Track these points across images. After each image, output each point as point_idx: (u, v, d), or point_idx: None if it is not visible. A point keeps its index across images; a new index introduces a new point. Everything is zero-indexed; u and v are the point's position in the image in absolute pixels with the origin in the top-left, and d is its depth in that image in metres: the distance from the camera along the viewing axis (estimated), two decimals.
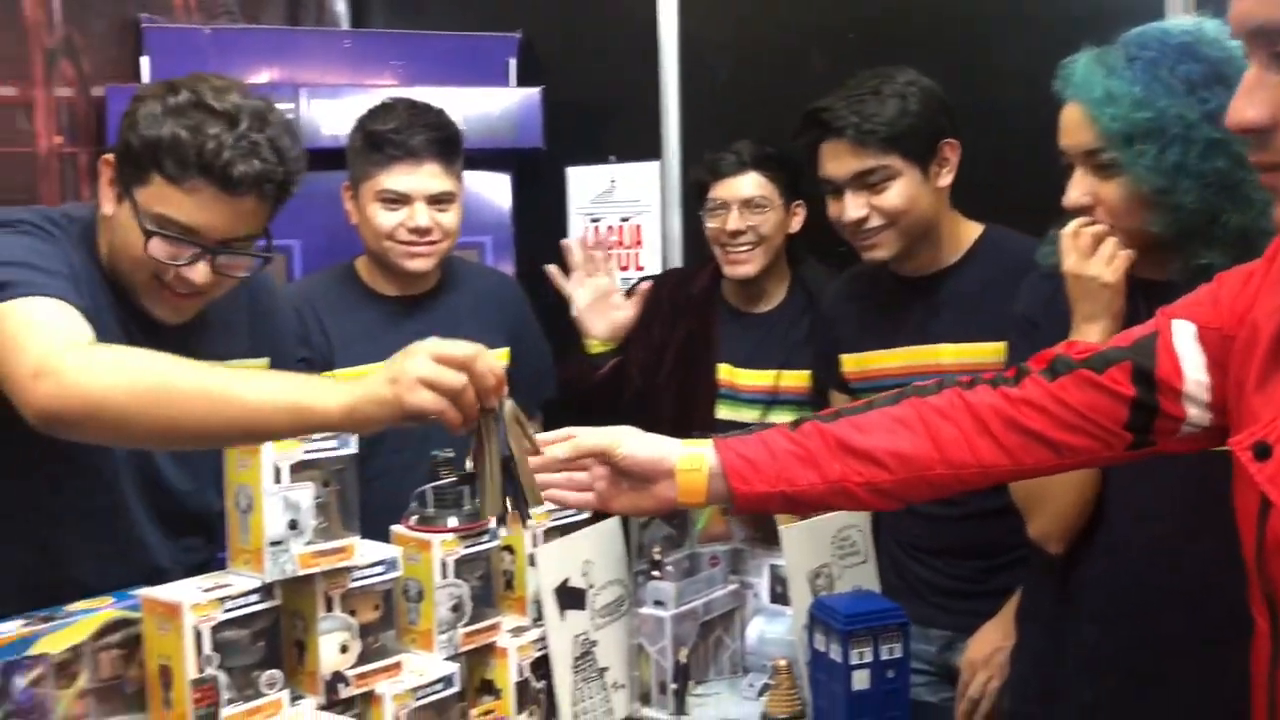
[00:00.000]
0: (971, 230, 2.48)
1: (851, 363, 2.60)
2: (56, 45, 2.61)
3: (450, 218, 2.54)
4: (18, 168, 2.57)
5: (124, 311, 1.78)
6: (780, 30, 3.04)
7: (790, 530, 3.16)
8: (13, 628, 2.57)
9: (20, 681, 2.50)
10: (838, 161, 2.34)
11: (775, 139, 2.74)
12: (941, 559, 2.59)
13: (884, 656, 2.40)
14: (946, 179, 2.38)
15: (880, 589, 2.97)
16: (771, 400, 2.93)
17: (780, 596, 3.77)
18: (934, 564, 2.61)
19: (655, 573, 3.81)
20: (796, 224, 2.85)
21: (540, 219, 3.21)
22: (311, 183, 1.89)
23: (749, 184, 2.73)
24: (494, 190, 3.10)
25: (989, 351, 2.27)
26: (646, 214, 3.14)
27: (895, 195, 2.32)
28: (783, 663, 3.57)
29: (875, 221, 2.33)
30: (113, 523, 1.95)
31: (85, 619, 2.63)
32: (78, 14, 2.63)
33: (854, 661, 2.47)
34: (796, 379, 2.90)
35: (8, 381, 1.46)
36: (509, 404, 1.47)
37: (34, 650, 2.56)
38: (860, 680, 2.44)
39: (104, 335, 1.56)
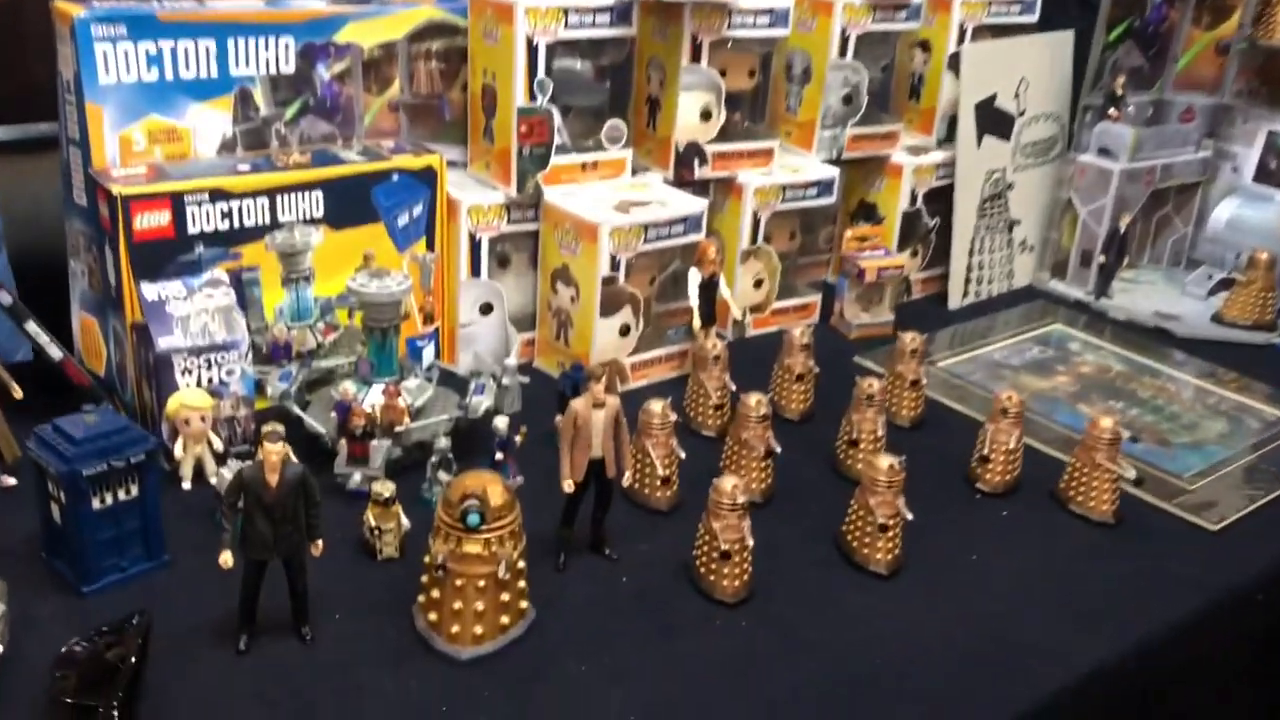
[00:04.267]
0: None
1: None
2: None
3: None
4: None
5: None
6: None
7: None
8: (321, 1, 2.17)
9: (324, 72, 2.08)
10: None
11: None
12: None
13: None
14: None
15: None
16: None
17: (1272, 175, 2.77)
18: None
19: (1112, 111, 2.91)
20: None
21: None
22: None
23: None
24: None
25: None
26: None
27: None
28: (1263, 256, 2.66)
29: None
30: None
31: (402, 12, 2.14)
32: None
33: None
34: None
35: None
36: None
37: (341, 37, 2.12)
38: None
39: None
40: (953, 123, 2.68)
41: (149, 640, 1.37)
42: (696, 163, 2.30)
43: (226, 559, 1.39)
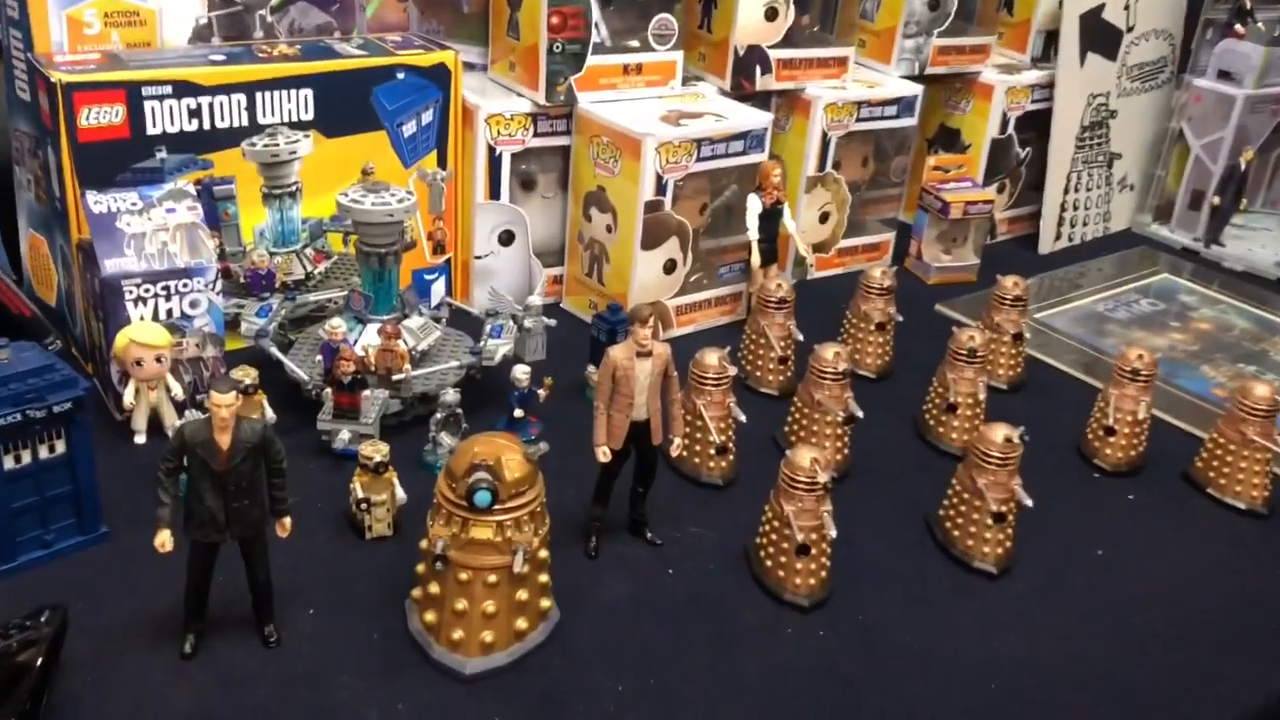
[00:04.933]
0: None
1: None
2: None
3: None
4: None
5: None
6: None
7: None
8: None
9: None
10: None
11: None
12: None
13: None
14: None
15: None
16: None
17: None
18: None
19: (1237, 27, 2.52)
20: None
21: None
22: None
23: None
24: None
25: None
26: None
27: None
28: None
29: None
30: None
31: None
32: None
33: None
34: None
35: None
36: None
37: None
38: None
39: None
40: (1049, 38, 2.31)
41: (62, 641, 1.06)
42: (758, 71, 1.95)
43: (164, 540, 1.08)
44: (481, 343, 1.56)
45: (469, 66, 1.88)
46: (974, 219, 2.14)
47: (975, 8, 2.36)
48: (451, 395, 1.44)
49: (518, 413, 1.48)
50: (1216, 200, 2.39)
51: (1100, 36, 2.30)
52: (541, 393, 1.49)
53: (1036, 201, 2.38)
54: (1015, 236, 2.43)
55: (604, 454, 1.27)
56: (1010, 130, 2.29)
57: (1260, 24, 2.41)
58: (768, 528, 1.29)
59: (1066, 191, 2.37)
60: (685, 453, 1.46)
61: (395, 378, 1.47)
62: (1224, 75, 2.36)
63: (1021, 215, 2.43)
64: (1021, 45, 2.34)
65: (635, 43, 1.85)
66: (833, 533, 1.24)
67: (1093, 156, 2.40)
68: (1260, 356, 1.97)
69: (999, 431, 1.34)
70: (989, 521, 1.34)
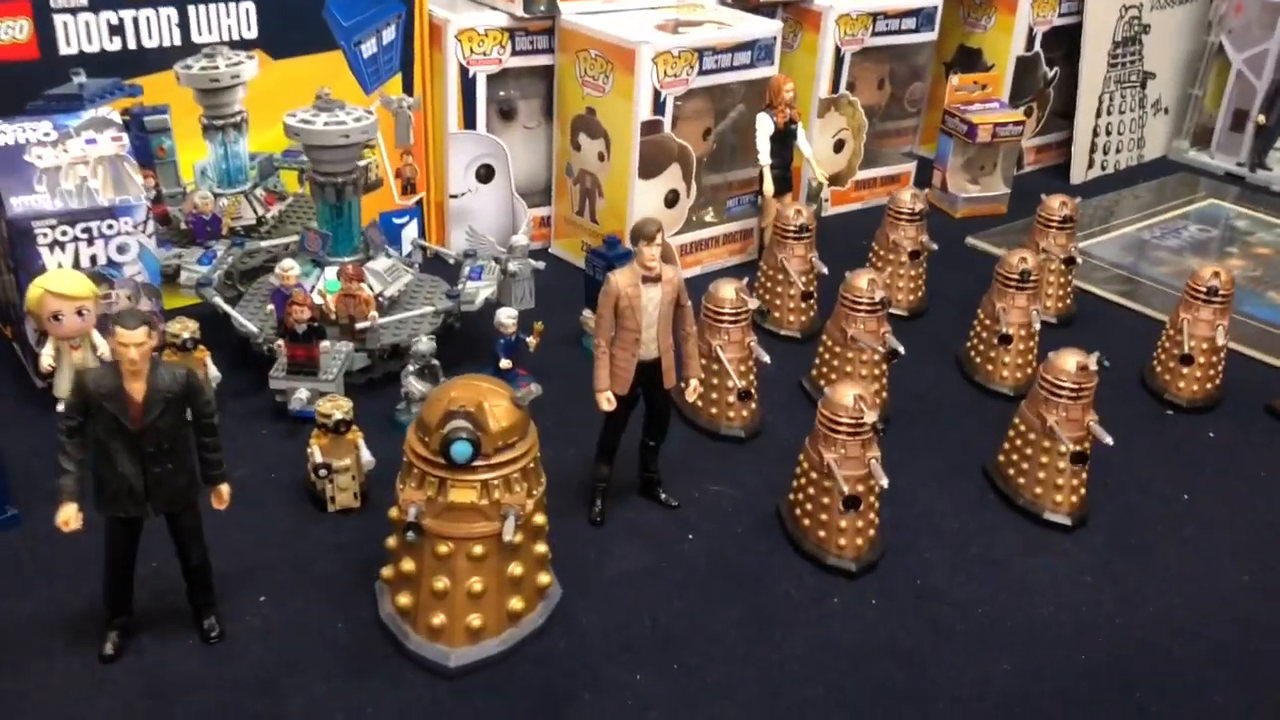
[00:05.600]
0: None
1: None
2: None
3: None
4: None
5: None
6: None
7: None
8: None
9: None
10: None
11: None
12: None
13: None
14: None
15: None
16: None
17: None
18: None
19: None
20: None
21: None
22: None
23: None
24: None
25: None
26: None
27: None
28: None
29: None
30: None
31: None
32: None
33: None
34: None
35: None
36: None
37: None
38: None
39: None
40: None
41: None
42: None
43: (67, 517, 0.87)
44: (459, 285, 1.35)
45: None
46: (1004, 142, 1.93)
47: None
48: (425, 344, 1.23)
49: (504, 363, 1.28)
50: (1262, 119, 2.18)
51: None
52: (531, 341, 1.29)
53: (1065, 128, 2.18)
54: (1043, 166, 2.23)
55: (607, 400, 1.07)
56: (1037, 47, 2.09)
57: None
58: (804, 480, 1.09)
59: (1099, 115, 2.16)
60: (702, 400, 1.26)
61: (359, 326, 1.26)
62: None
63: (1049, 143, 2.22)
64: None
65: None
66: (884, 482, 1.04)
67: (1125, 76, 2.19)
68: None
69: (1070, 359, 1.14)
70: (1062, 465, 1.14)
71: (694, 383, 1.11)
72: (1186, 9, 2.25)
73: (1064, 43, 2.12)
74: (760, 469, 1.21)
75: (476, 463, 0.89)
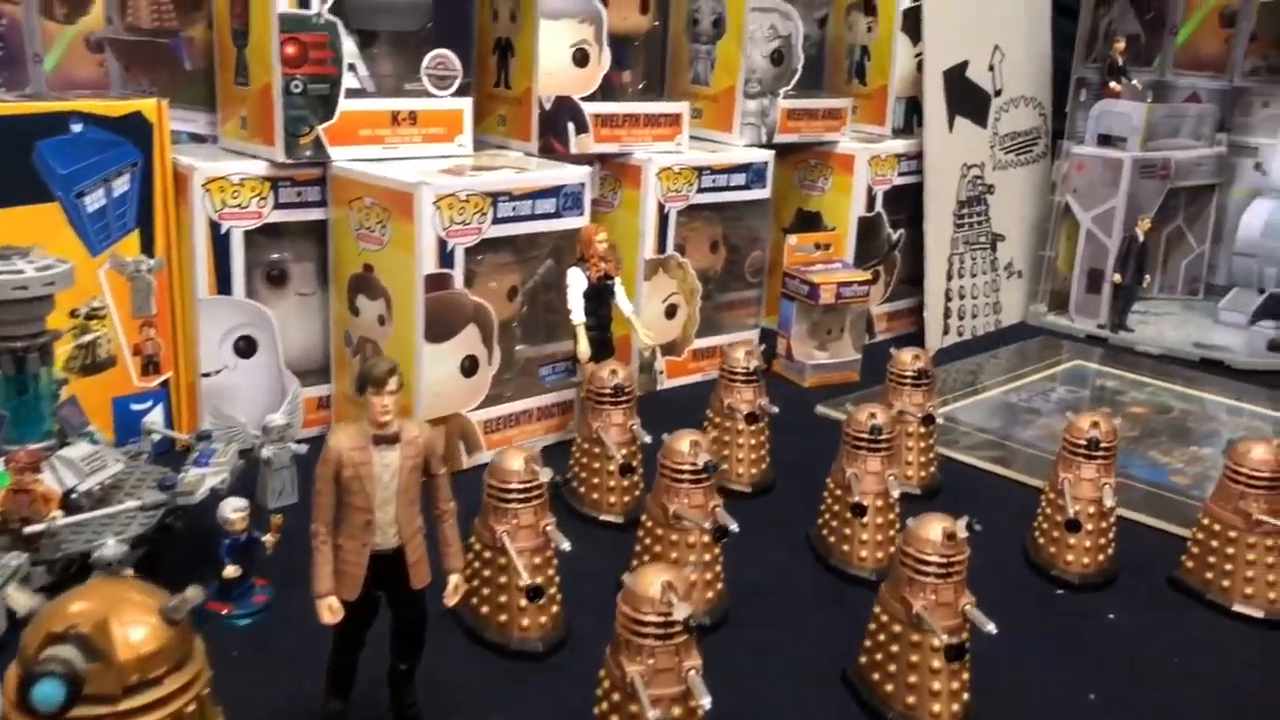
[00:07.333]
0: None
1: None
2: None
3: None
4: None
5: None
6: None
7: None
8: None
9: None
10: None
11: None
12: None
13: None
14: None
15: None
16: None
17: None
18: None
19: (1112, 84, 2.25)
20: None
21: None
22: None
23: None
24: None
25: None
26: None
27: None
28: None
29: None
30: None
31: None
32: None
33: None
34: None
35: None
36: None
37: None
38: None
39: None
40: (911, 106, 2.02)
41: None
42: (571, 129, 1.57)
43: None
44: (182, 474, 1.07)
45: (199, 139, 1.46)
46: (850, 303, 1.77)
47: (824, 80, 2.07)
48: (111, 548, 0.94)
49: (230, 570, 0.99)
50: (1118, 277, 2.08)
51: (967, 98, 2.02)
52: (269, 540, 1.01)
53: (915, 294, 2.04)
54: (897, 335, 2.07)
55: (329, 610, 0.79)
56: (879, 208, 1.96)
57: (1135, 81, 2.17)
58: (606, 707, 0.82)
59: (950, 278, 2.03)
60: (476, 599, 0.98)
61: (28, 530, 0.97)
62: (1105, 140, 2.10)
63: (900, 310, 2.08)
64: (880, 117, 2.04)
65: (408, 87, 1.45)
66: (706, 701, 0.78)
67: (974, 237, 2.08)
68: (1214, 437, 1.62)
69: (935, 526, 0.91)
70: (936, 664, 0.90)
71: (454, 579, 0.84)
72: (1028, 171, 2.18)
73: (908, 205, 2.00)
74: (565, 693, 0.93)
75: (78, 711, 0.60)
